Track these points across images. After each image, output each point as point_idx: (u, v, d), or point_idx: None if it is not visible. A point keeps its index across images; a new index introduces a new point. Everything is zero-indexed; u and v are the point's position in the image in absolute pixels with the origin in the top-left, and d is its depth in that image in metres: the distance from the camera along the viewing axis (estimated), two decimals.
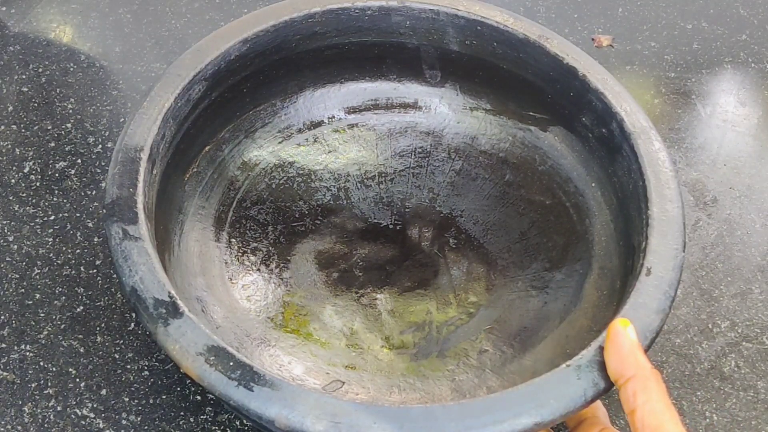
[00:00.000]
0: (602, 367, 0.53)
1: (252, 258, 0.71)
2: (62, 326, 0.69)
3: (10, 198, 0.72)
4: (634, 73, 0.87)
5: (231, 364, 0.52)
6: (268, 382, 0.51)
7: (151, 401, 0.66)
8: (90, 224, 0.74)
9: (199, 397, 0.66)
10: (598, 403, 0.59)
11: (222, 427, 0.65)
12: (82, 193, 0.77)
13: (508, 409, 0.51)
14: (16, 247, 0.70)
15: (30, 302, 0.70)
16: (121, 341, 0.69)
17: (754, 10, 0.83)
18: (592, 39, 0.89)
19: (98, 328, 0.69)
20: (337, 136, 0.77)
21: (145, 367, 0.68)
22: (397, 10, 0.72)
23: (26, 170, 0.70)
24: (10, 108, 0.71)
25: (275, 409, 0.51)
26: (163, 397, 0.66)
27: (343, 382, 0.65)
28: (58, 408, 0.66)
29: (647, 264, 0.58)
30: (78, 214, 0.75)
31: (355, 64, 0.77)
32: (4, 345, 0.68)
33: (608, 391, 0.54)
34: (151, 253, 0.57)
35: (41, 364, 0.67)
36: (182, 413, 0.66)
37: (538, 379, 0.53)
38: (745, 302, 0.71)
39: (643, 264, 0.58)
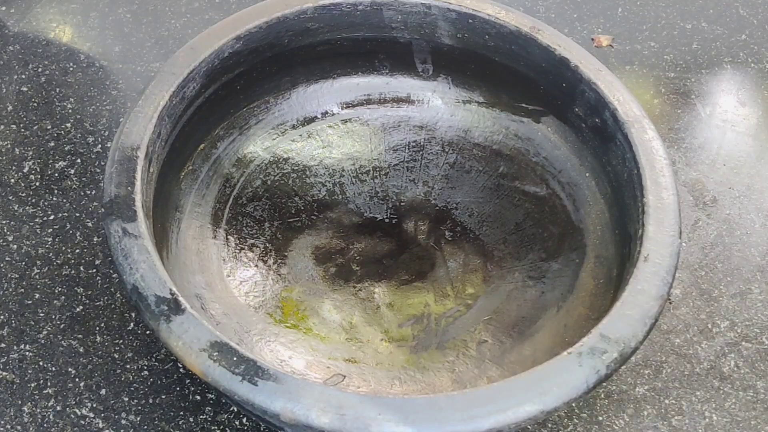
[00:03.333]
0: (602, 353, 0.54)
1: (249, 254, 0.71)
2: (62, 326, 0.69)
3: (10, 198, 0.72)
4: (634, 73, 0.87)
5: (235, 359, 0.52)
6: (272, 376, 0.52)
7: (150, 401, 0.66)
8: (89, 224, 0.74)
9: (198, 397, 0.66)
10: None
11: (221, 427, 0.65)
12: (82, 193, 0.76)
13: (511, 397, 0.52)
14: (15, 246, 0.70)
15: (29, 302, 0.70)
16: (121, 341, 0.69)
17: (754, 10, 0.83)
18: (592, 39, 0.90)
19: (98, 328, 0.69)
20: (330, 131, 0.77)
21: (145, 367, 0.68)
22: (389, 5, 0.72)
23: (26, 170, 0.69)
24: (10, 108, 0.71)
25: (280, 402, 0.51)
26: (163, 396, 0.66)
27: (344, 376, 0.65)
28: (58, 408, 0.66)
29: (644, 251, 0.58)
30: (77, 214, 0.75)
31: (348, 60, 0.77)
32: (3, 345, 0.68)
33: (610, 377, 0.54)
34: (151, 250, 0.57)
35: (41, 363, 0.67)
36: (182, 413, 0.66)
37: (539, 367, 0.53)
38: (745, 302, 0.71)
39: (640, 251, 0.58)
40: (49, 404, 0.66)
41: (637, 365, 0.66)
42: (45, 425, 0.65)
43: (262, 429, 0.65)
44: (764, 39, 0.82)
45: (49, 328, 0.69)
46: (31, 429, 0.65)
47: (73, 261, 0.72)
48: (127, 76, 0.85)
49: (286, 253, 0.72)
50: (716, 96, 0.83)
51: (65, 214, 0.75)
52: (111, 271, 0.72)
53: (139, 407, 0.66)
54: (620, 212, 0.66)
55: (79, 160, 0.77)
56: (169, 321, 0.54)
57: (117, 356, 0.68)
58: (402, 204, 0.76)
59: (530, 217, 0.73)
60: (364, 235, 0.75)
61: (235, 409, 0.66)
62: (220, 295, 0.67)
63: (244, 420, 0.66)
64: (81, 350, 0.68)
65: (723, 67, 0.84)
